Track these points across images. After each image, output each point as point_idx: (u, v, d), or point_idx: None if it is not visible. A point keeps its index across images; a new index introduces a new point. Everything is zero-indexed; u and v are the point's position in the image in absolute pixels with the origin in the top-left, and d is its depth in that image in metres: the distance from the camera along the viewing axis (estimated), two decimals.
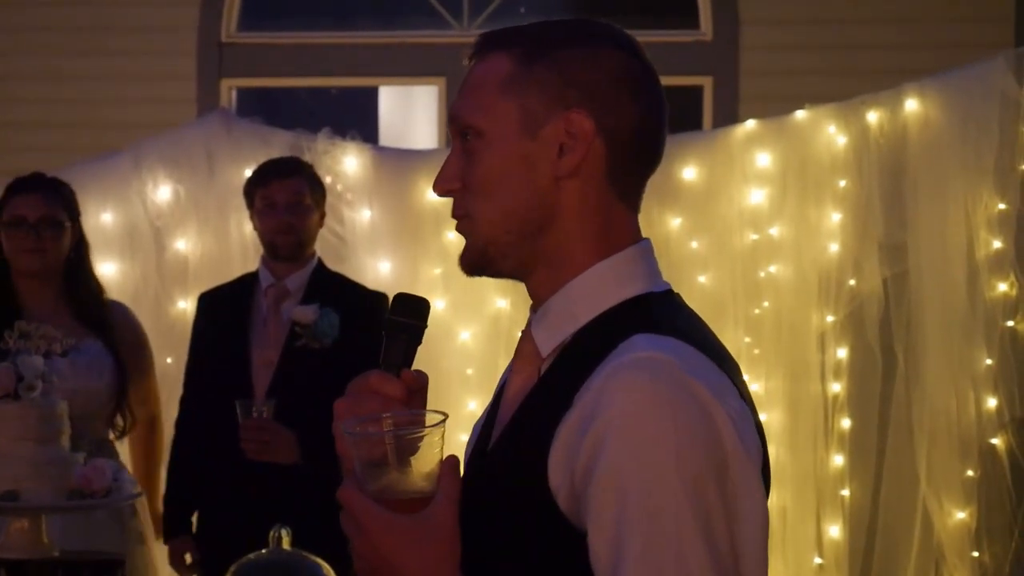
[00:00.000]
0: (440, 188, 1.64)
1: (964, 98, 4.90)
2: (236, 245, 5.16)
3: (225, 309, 4.38)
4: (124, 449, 4.34)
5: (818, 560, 5.03)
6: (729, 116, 6.35)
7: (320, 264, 4.40)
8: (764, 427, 1.58)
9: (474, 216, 1.61)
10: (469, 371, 5.14)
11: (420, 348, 1.66)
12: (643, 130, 1.61)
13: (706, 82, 6.75)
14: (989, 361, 4.85)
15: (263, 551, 3.15)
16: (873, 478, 4.98)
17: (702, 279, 5.10)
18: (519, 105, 1.59)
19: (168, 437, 4.47)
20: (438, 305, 5.07)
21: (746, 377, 5.48)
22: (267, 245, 4.35)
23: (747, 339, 5.06)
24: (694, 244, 5.11)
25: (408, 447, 1.52)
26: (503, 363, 1.70)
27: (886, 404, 4.96)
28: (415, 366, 1.65)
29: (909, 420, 4.91)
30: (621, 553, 1.43)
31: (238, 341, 4.28)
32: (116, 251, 5.15)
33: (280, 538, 3.14)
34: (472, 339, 5.14)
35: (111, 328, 4.19)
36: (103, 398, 4.11)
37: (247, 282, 4.42)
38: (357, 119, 7.39)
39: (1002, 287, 4.87)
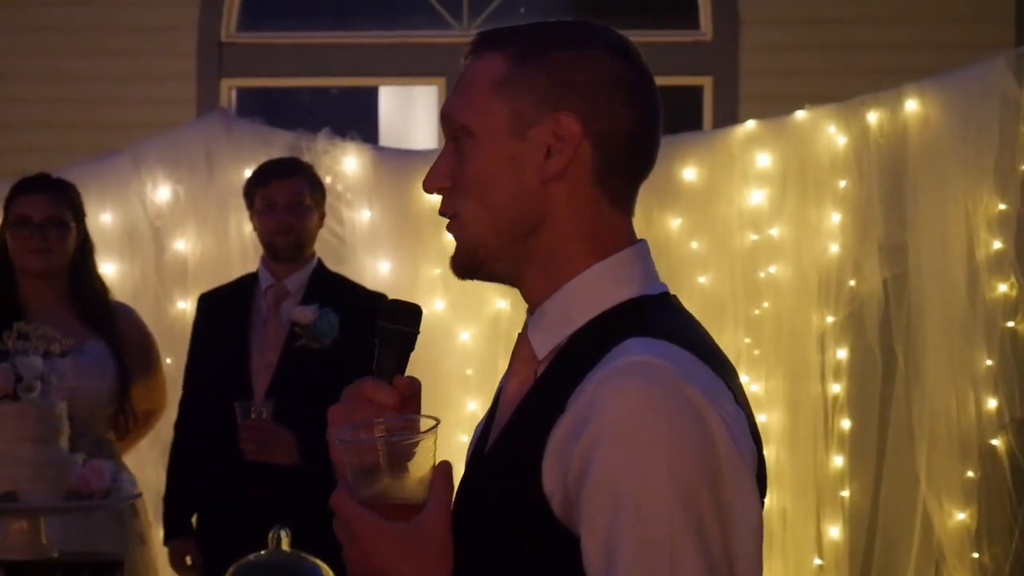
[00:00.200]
0: (429, 185, 1.64)
1: (964, 98, 4.90)
2: (236, 245, 5.15)
3: (225, 310, 4.37)
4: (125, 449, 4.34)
5: (818, 561, 5.02)
6: (729, 116, 6.35)
7: (320, 265, 4.40)
8: (764, 428, 1.58)
9: (462, 216, 1.61)
10: (469, 372, 5.13)
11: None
12: (636, 134, 1.60)
13: (706, 82, 6.74)
14: (989, 362, 4.85)
15: (262, 552, 3.15)
16: (873, 479, 4.98)
17: (702, 280, 5.09)
18: (510, 106, 1.58)
19: (167, 438, 4.46)
20: (438, 306, 5.07)
21: (746, 378, 5.48)
22: (267, 245, 4.35)
23: (747, 340, 5.06)
24: (694, 245, 5.11)
25: (400, 453, 1.52)
26: (503, 364, 1.69)
27: (886, 405, 4.96)
28: (411, 370, 1.65)
29: (909, 421, 4.91)
30: (613, 558, 1.43)
31: (238, 342, 4.28)
32: (115, 251, 5.14)
33: (279, 539, 3.13)
34: (472, 340, 5.14)
35: (115, 329, 4.19)
36: (104, 399, 4.11)
37: (247, 283, 4.42)
38: (357, 119, 7.38)
39: (1002, 288, 4.87)
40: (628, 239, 1.62)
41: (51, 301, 4.15)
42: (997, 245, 4.86)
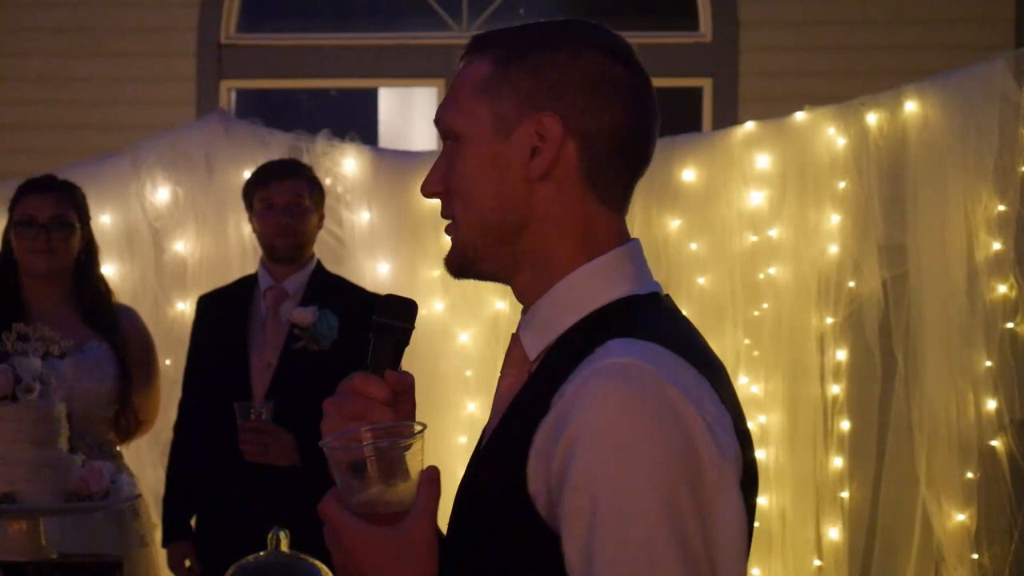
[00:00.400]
0: (425, 190, 1.65)
1: (964, 100, 4.90)
2: (235, 247, 5.15)
3: (224, 311, 4.37)
4: (126, 450, 4.33)
5: (817, 562, 5.02)
6: (728, 118, 6.35)
7: (319, 266, 4.40)
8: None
9: (456, 219, 1.62)
10: (468, 372, 5.13)
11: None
12: (625, 132, 1.60)
13: (705, 84, 6.74)
14: (989, 363, 4.85)
15: (261, 553, 3.15)
16: (873, 480, 4.98)
17: (701, 281, 5.09)
18: (493, 108, 1.59)
19: (165, 440, 4.46)
20: (437, 307, 5.06)
21: (745, 379, 5.46)
22: (266, 247, 4.35)
23: (746, 341, 5.06)
24: (693, 246, 5.11)
25: (387, 459, 1.52)
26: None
27: (886, 406, 4.96)
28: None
29: (909, 422, 4.92)
30: (592, 559, 1.43)
31: (237, 343, 4.28)
32: (115, 253, 5.14)
33: (279, 540, 3.13)
34: (471, 340, 5.13)
35: (118, 331, 4.19)
36: (104, 400, 4.11)
37: (246, 284, 4.42)
38: (356, 121, 7.39)
39: (1002, 289, 4.87)
40: (620, 238, 1.61)
41: (55, 302, 4.15)
42: (997, 246, 4.87)
